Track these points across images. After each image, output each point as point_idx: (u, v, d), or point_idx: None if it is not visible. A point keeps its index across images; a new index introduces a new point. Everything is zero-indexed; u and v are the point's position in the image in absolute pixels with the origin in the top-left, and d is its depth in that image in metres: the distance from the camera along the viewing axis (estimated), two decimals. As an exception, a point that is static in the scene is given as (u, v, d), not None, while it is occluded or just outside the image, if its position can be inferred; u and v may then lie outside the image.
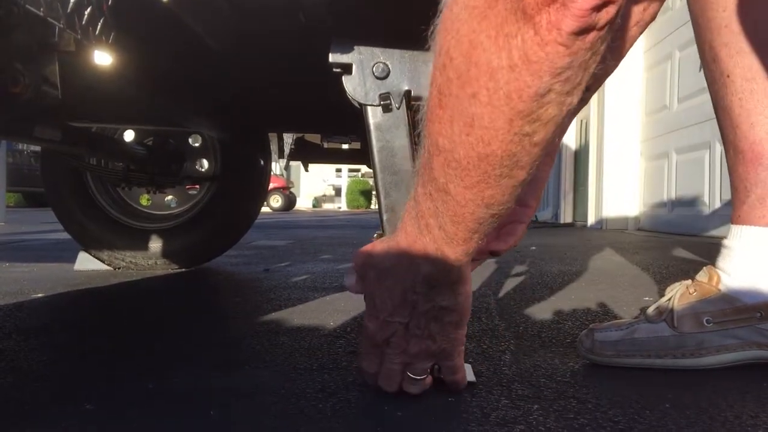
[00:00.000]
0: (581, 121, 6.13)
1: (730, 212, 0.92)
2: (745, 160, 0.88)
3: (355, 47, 0.81)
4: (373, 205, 18.54)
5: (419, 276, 0.64)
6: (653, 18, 0.69)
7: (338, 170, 20.48)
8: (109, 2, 0.80)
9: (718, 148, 3.65)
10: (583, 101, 0.79)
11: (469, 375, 0.78)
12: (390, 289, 0.67)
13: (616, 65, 0.78)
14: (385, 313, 0.68)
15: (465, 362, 0.78)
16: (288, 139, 2.04)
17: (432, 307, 0.67)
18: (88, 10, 0.75)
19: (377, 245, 0.68)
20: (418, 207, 0.61)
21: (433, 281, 0.65)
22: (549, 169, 0.74)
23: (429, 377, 0.72)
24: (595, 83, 0.77)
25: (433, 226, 0.59)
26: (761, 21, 0.84)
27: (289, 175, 16.80)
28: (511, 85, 0.45)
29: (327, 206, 21.68)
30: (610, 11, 0.42)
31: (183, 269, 2.08)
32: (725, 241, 0.90)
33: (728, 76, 0.87)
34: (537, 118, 0.47)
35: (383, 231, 0.81)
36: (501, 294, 1.56)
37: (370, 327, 0.70)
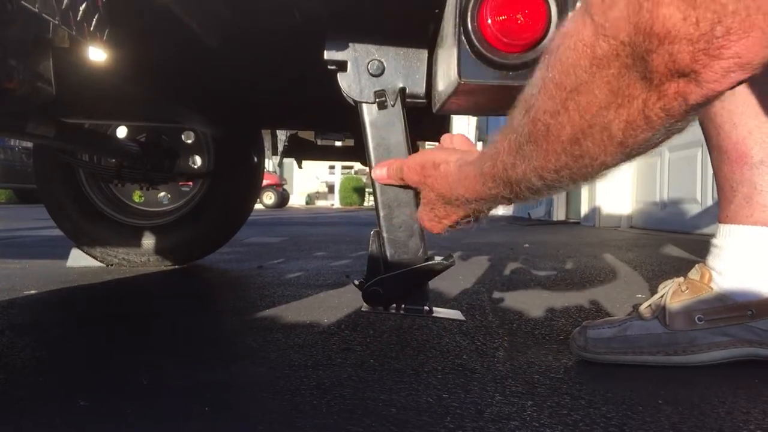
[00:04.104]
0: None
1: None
2: (729, 160, 0.89)
3: (350, 44, 0.81)
4: (366, 203, 18.53)
5: (471, 202, 0.66)
6: None
7: (331, 167, 20.43)
8: (104, -2, 0.80)
9: (710, 146, 3.66)
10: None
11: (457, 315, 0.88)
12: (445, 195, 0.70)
13: None
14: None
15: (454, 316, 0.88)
16: (281, 135, 2.04)
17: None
18: (83, 6, 0.74)
19: (451, 157, 0.69)
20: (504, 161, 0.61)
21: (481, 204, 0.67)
22: None
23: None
24: None
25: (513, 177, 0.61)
26: None
27: (282, 172, 16.78)
28: (627, 135, 0.47)
29: (320, 203, 21.64)
30: (733, 83, 0.43)
31: (176, 266, 2.07)
32: (714, 240, 0.90)
33: None
34: (636, 148, 0.50)
35: (379, 228, 0.81)
36: (494, 291, 1.56)
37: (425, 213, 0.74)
